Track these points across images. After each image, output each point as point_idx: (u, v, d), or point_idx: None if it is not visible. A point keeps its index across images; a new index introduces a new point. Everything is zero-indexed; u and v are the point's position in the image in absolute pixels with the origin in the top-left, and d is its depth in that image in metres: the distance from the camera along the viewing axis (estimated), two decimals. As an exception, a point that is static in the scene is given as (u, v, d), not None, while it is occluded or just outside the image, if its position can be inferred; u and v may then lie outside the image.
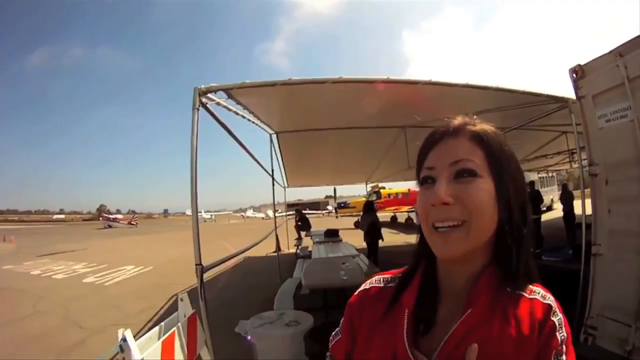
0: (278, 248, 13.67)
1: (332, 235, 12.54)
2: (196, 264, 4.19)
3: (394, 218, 34.52)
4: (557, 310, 0.90)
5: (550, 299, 0.91)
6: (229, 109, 5.53)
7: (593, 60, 4.26)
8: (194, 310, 3.93)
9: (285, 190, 17.35)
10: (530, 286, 0.93)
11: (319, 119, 7.51)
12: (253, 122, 7.21)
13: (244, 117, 6.30)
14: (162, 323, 3.61)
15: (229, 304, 8.79)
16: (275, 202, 11.98)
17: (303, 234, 17.72)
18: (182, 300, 3.90)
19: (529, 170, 20.89)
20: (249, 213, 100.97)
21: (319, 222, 20.46)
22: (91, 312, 9.62)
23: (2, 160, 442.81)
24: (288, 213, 26.36)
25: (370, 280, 1.14)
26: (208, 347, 4.03)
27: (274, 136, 9.08)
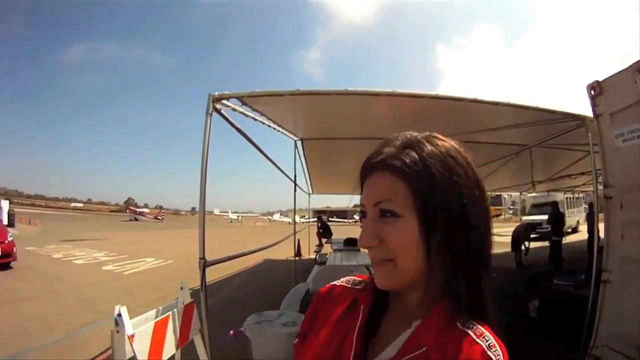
0: (297, 253, 13.75)
1: (351, 244, 12.57)
2: (200, 258, 4.40)
3: None
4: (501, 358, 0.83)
5: (497, 352, 0.83)
6: (246, 115, 5.58)
7: (611, 76, 4.03)
8: (193, 299, 3.99)
9: (309, 196, 17.24)
10: (482, 328, 0.87)
11: (343, 127, 7.52)
12: (274, 129, 7.24)
13: (263, 123, 6.36)
14: (160, 307, 3.69)
15: (240, 302, 8.92)
16: (301, 208, 12.01)
17: (324, 240, 17.78)
18: (182, 289, 3.97)
19: (555, 190, 20.58)
20: (276, 217, 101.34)
21: (345, 230, 20.44)
22: (105, 297, 9.86)
23: (34, 148, 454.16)
24: (313, 220, 26.46)
25: (343, 279, 1.17)
26: (203, 336, 4.10)
27: (299, 142, 9.13)
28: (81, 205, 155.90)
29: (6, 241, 13.25)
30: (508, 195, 30.32)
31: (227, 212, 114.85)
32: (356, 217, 62.58)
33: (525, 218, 24.80)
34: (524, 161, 9.06)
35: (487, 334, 0.86)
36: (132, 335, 2.94)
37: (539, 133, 6.23)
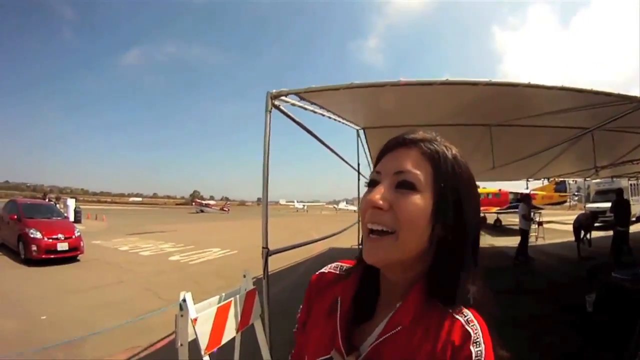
0: (361, 241, 13.74)
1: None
2: (263, 247, 4.57)
3: (483, 219, 33.03)
4: (480, 340, 0.88)
5: (475, 326, 0.90)
6: (305, 109, 5.63)
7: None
8: (255, 286, 4.14)
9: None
10: (463, 308, 0.93)
11: (405, 116, 7.43)
12: (334, 120, 7.27)
13: (322, 115, 6.39)
14: (223, 294, 3.85)
15: (303, 289, 8.90)
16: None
17: None
18: (244, 276, 4.12)
19: (618, 176, 19.67)
20: (342, 205, 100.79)
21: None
22: (171, 286, 10.18)
23: (101, 149, 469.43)
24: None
25: (330, 265, 1.23)
26: (263, 321, 4.25)
27: (361, 131, 9.17)
28: (139, 199, 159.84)
29: (73, 236, 13.96)
30: (573, 181, 29.17)
31: (293, 202, 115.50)
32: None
33: (589, 205, 23.91)
34: (586, 145, 8.78)
35: (466, 311, 0.92)
36: (195, 319, 3.11)
37: (601, 115, 6.04)
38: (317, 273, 1.22)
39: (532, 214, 15.86)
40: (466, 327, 0.89)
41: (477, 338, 0.87)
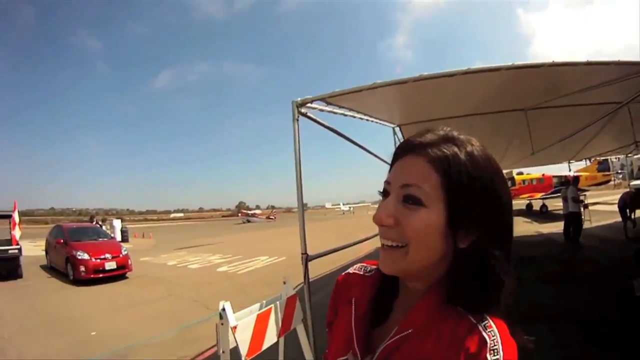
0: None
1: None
2: (302, 253, 4.60)
3: (529, 206, 32.53)
4: (497, 347, 0.82)
5: (493, 332, 0.84)
6: (335, 113, 5.65)
7: None
8: (296, 292, 4.22)
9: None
10: (483, 315, 0.88)
11: (440, 108, 7.43)
12: (367, 120, 7.26)
13: (354, 117, 6.40)
14: (264, 301, 3.93)
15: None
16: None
17: None
18: (284, 283, 4.24)
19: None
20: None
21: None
22: (220, 296, 10.02)
23: (143, 167, 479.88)
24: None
25: (356, 266, 1.21)
26: (306, 325, 4.29)
27: (397, 129, 9.11)
28: (181, 215, 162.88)
29: (120, 255, 14.43)
30: (616, 158, 28.34)
31: (339, 205, 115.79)
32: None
33: (634, 183, 23.31)
34: (624, 120, 8.55)
35: (485, 316, 0.87)
36: (235, 327, 3.20)
37: (635, 87, 5.87)
38: (343, 274, 1.20)
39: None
40: (483, 333, 0.84)
41: (495, 345, 0.82)
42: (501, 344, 0.82)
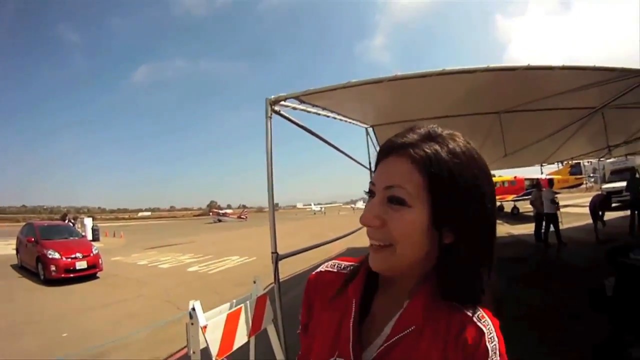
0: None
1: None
2: (272, 252, 4.62)
3: (500, 207, 32.63)
4: (493, 335, 0.88)
5: (486, 322, 0.90)
6: (308, 112, 5.68)
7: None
8: (266, 292, 4.19)
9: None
10: (473, 305, 0.92)
11: (413, 110, 7.48)
12: (341, 120, 7.29)
13: (327, 116, 6.43)
14: (234, 300, 3.92)
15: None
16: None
17: None
18: (255, 282, 4.22)
19: (633, 154, 19.34)
20: (359, 204, 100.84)
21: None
22: (191, 296, 9.92)
23: (114, 164, 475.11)
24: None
25: (327, 263, 1.19)
26: (276, 325, 4.29)
27: (370, 129, 9.18)
28: (148, 214, 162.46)
29: (91, 254, 14.22)
30: (588, 162, 29.00)
31: (310, 205, 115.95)
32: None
33: (605, 186, 23.71)
34: (597, 125, 8.71)
35: (477, 307, 0.92)
36: (205, 327, 3.17)
37: (606, 94, 5.97)
38: (314, 272, 1.18)
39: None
40: (478, 323, 0.88)
41: (491, 333, 0.88)
42: (495, 332, 0.88)
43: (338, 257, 1.22)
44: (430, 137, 0.91)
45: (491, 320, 0.90)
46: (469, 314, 0.90)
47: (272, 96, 4.71)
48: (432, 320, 0.90)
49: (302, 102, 5.29)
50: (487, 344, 0.85)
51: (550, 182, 14.99)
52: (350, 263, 1.15)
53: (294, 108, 5.23)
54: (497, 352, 0.86)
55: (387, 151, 0.93)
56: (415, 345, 0.88)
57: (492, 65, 4.54)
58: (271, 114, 4.69)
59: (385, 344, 0.91)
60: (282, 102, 4.84)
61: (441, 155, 0.87)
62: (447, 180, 0.86)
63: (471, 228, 0.89)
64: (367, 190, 0.97)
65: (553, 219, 14.03)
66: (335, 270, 1.15)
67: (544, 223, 14.42)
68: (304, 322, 1.15)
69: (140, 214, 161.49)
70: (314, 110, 5.78)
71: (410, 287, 0.96)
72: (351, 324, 0.98)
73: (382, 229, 0.89)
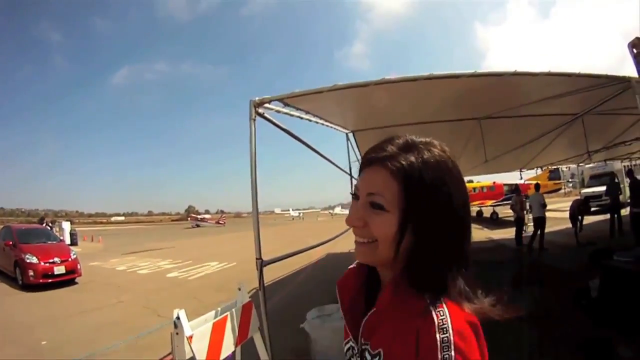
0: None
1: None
2: (257, 258, 4.53)
3: (479, 213, 33.58)
4: (446, 326, 0.90)
5: (442, 312, 0.93)
6: (291, 115, 5.62)
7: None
8: (251, 299, 4.13)
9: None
10: (435, 297, 0.97)
11: (393, 115, 7.52)
12: (322, 124, 7.26)
13: (310, 120, 6.39)
14: (219, 308, 3.86)
15: (303, 297, 9.01)
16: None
17: None
18: (239, 289, 4.13)
19: (612, 159, 19.67)
20: (337, 210, 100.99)
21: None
22: (171, 302, 10.01)
23: (92, 168, 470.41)
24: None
25: (352, 265, 1.32)
26: (263, 333, 4.23)
27: (350, 135, 9.17)
28: (122, 218, 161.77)
29: (70, 259, 14.00)
30: (566, 167, 29.48)
31: (288, 210, 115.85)
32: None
33: (585, 191, 24.00)
34: (577, 131, 8.79)
35: (438, 298, 0.97)
36: (191, 336, 3.12)
37: (588, 100, 6.03)
38: (346, 270, 1.32)
39: (526, 204, 16.06)
40: (432, 313, 0.93)
41: (444, 324, 0.90)
42: (451, 323, 0.90)
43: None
44: (408, 148, 1.03)
45: (450, 312, 0.93)
46: (427, 303, 0.95)
47: (257, 98, 4.66)
48: (399, 305, 1.01)
49: (286, 104, 5.26)
50: (437, 334, 0.89)
51: (537, 186, 15.13)
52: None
53: (278, 111, 5.18)
54: (451, 345, 0.87)
55: (370, 161, 1.05)
56: (388, 325, 1.01)
57: (480, 71, 4.56)
58: (255, 116, 4.63)
59: (364, 322, 1.10)
60: (266, 105, 4.79)
61: (414, 165, 0.99)
62: (418, 187, 0.97)
63: (434, 228, 0.99)
64: (352, 192, 1.10)
65: (541, 222, 14.14)
66: (355, 266, 1.29)
67: (529, 227, 14.58)
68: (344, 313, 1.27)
69: (114, 218, 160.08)
70: (297, 113, 5.74)
71: (389, 278, 1.08)
72: (345, 308, 1.21)
73: (365, 229, 1.03)
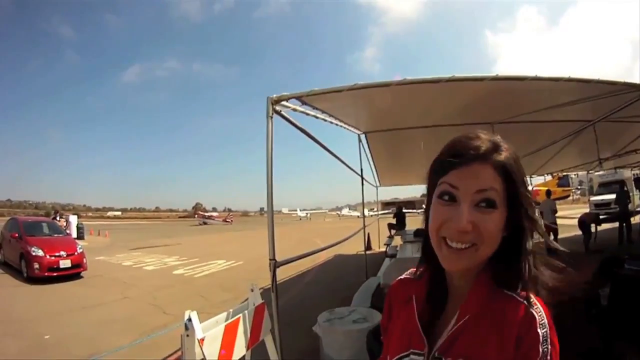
0: (367, 246, 13.71)
1: (421, 234, 12.21)
2: (270, 259, 4.40)
3: None
4: (544, 322, 0.94)
5: (538, 309, 0.96)
6: (307, 114, 5.57)
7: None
8: (263, 300, 4.06)
9: (377, 189, 17.33)
10: (527, 293, 0.99)
11: (406, 118, 7.46)
12: (336, 125, 7.19)
13: (324, 120, 6.33)
14: (231, 310, 3.79)
15: (312, 299, 9.02)
16: (370, 201, 12.06)
17: (393, 232, 17.61)
18: (252, 290, 4.06)
19: (622, 167, 19.47)
20: (345, 211, 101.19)
21: (414, 221, 20.52)
22: (177, 300, 10.13)
23: (101, 163, 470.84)
24: (383, 212, 25.94)
25: (408, 271, 1.30)
26: (274, 336, 4.16)
27: (363, 136, 9.07)
28: (119, 213, 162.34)
29: (76, 253, 13.95)
30: (575, 175, 29.38)
31: (296, 210, 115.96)
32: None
33: (593, 198, 23.92)
34: (588, 138, 8.71)
35: (529, 295, 0.99)
36: (202, 339, 3.04)
37: (602, 107, 5.97)
38: (396, 280, 1.30)
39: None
40: (530, 310, 0.95)
41: (542, 320, 0.94)
42: (546, 319, 0.95)
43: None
44: (496, 144, 1.01)
45: (542, 308, 0.97)
46: (523, 301, 0.97)
47: (275, 95, 4.58)
48: (490, 308, 0.99)
49: (303, 103, 5.19)
50: (538, 329, 0.92)
51: (548, 192, 15.10)
52: (421, 270, 1.22)
53: (294, 109, 5.13)
54: (548, 340, 0.92)
55: (470, 158, 0.98)
56: (476, 331, 0.97)
57: (501, 74, 4.50)
58: (272, 114, 4.54)
59: (450, 333, 1.01)
60: (283, 103, 4.72)
61: (512, 163, 1.00)
62: (517, 184, 0.99)
63: (525, 223, 1.00)
64: (440, 194, 1.02)
65: (554, 229, 13.99)
66: (411, 277, 1.26)
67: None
68: (384, 325, 1.26)
69: (109, 213, 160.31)
70: (312, 112, 5.68)
71: (470, 280, 1.04)
72: (416, 318, 1.10)
73: (473, 232, 0.95)
